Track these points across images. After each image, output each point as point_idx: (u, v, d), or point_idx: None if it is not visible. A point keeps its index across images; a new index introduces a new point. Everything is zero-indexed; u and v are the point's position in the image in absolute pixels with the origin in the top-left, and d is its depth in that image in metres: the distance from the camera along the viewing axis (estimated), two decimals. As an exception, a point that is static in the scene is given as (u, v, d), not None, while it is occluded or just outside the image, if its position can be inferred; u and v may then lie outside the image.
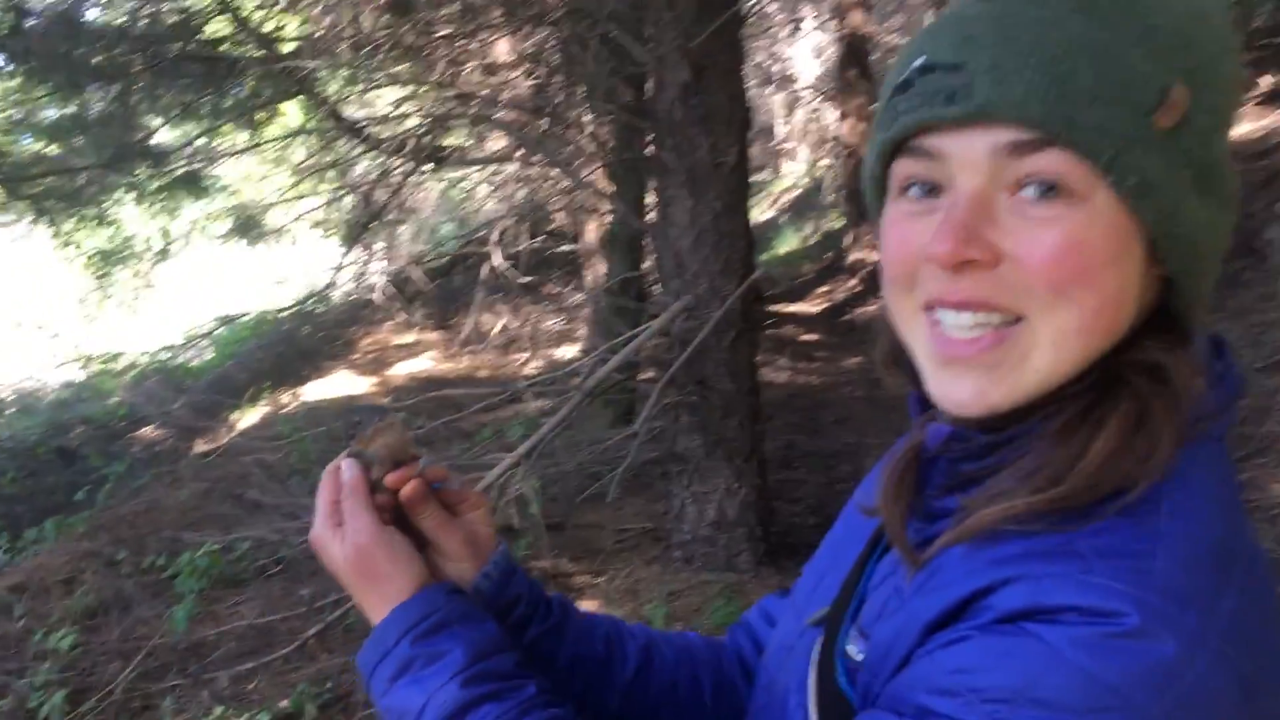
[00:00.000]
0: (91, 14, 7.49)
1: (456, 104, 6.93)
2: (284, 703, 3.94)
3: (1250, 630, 0.65)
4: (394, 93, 8.57)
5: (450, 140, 8.95)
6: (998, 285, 0.70)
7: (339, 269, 9.34)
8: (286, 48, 8.18)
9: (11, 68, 7.68)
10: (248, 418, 8.66)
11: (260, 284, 9.21)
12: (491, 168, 8.47)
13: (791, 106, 17.58)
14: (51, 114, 9.06)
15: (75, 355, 10.41)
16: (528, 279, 8.31)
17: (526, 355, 9.24)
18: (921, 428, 0.85)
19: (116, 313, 10.77)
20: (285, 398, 8.93)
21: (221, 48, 8.26)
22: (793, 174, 20.78)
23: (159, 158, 9.30)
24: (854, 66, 12.05)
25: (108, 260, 10.65)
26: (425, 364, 9.83)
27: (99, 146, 8.60)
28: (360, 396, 8.62)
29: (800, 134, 18.15)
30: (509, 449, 4.93)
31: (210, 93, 8.46)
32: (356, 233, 9.45)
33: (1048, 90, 0.66)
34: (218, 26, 8.44)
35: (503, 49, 7.70)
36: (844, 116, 12.46)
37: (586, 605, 2.01)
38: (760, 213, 18.89)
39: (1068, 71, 0.66)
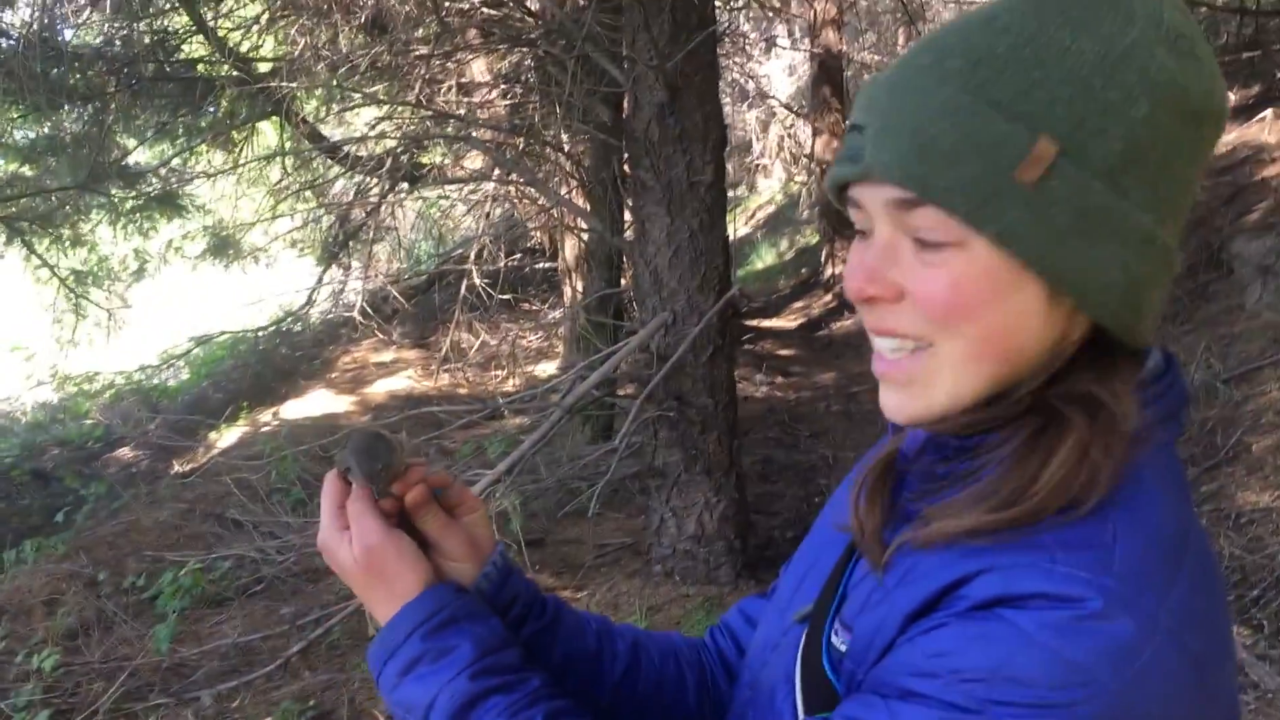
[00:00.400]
0: (67, 34, 7.46)
1: (433, 123, 6.97)
2: (267, 720, 3.95)
3: (1200, 614, 0.72)
4: (371, 112, 8.59)
5: (427, 159, 8.98)
6: (901, 318, 0.81)
7: (316, 288, 9.33)
8: (263, 68, 8.21)
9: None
10: (226, 438, 8.63)
11: (237, 304, 9.17)
12: (469, 186, 8.50)
13: (766, 123, 17.67)
14: (27, 134, 9.01)
15: (51, 376, 10.34)
16: (506, 297, 8.32)
17: (505, 372, 9.25)
18: (899, 435, 0.94)
19: (92, 333, 10.71)
20: (264, 417, 8.90)
21: (198, 68, 8.28)
22: (768, 190, 20.89)
23: (134, 178, 9.30)
24: (827, 84, 12.16)
25: (83, 281, 10.61)
26: (404, 382, 9.82)
27: (74, 167, 8.57)
28: (339, 415, 8.61)
29: (775, 150, 18.25)
30: (489, 466, 4.96)
31: (186, 113, 8.47)
32: (334, 252, 9.46)
33: (911, 154, 0.75)
34: (194, 47, 8.46)
35: (479, 69, 7.74)
36: (818, 134, 12.57)
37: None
38: (736, 229, 18.97)
39: (932, 136, 0.74)
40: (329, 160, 8.90)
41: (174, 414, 9.29)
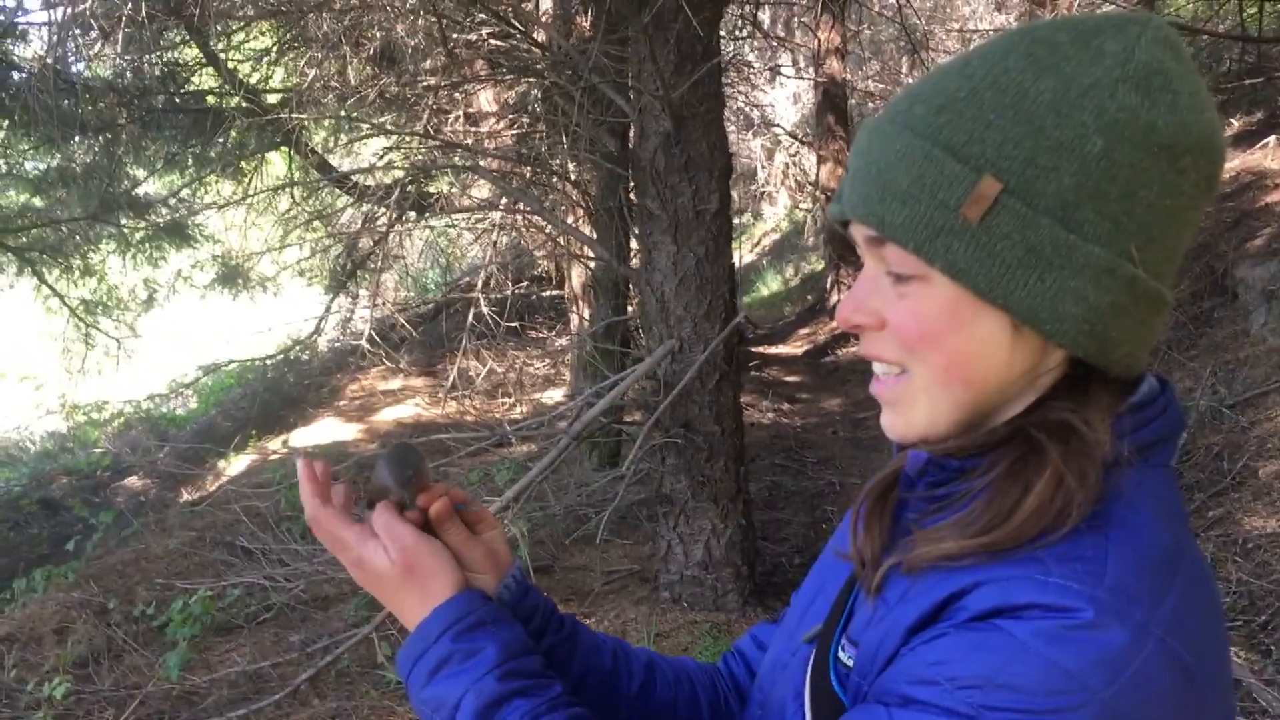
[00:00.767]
0: (79, 67, 7.54)
1: (441, 153, 7.02)
2: (277, 748, 3.95)
3: (1190, 626, 0.74)
4: (379, 142, 8.65)
5: (435, 189, 9.04)
6: (885, 345, 0.87)
7: (324, 316, 9.37)
8: (272, 99, 8.28)
9: (-3, 120, 7.72)
10: (234, 466, 8.66)
11: (245, 333, 9.21)
12: (476, 215, 8.55)
13: (771, 151, 17.76)
14: (38, 166, 9.08)
15: (60, 405, 10.38)
16: (513, 324, 8.36)
17: (512, 400, 9.28)
18: (901, 455, 0.99)
19: (101, 362, 10.75)
20: (273, 445, 8.93)
21: (208, 99, 8.36)
22: (773, 217, 20.96)
23: (144, 208, 9.37)
24: (832, 112, 12.23)
25: (92, 310, 10.67)
26: (411, 410, 9.85)
27: (84, 198, 8.64)
28: (347, 443, 8.63)
29: (780, 178, 18.32)
30: (497, 493, 4.98)
31: (196, 144, 8.54)
32: (342, 280, 9.51)
33: (874, 194, 0.82)
34: (204, 78, 8.54)
35: (486, 99, 7.81)
36: (822, 161, 12.63)
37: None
38: (742, 256, 19.03)
39: (889, 180, 0.81)
40: (337, 190, 8.96)
41: (183, 443, 9.33)
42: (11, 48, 7.72)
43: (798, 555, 5.66)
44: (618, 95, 4.73)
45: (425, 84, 6.95)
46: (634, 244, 6.36)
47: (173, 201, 9.85)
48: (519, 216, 7.67)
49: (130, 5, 5.78)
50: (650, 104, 4.33)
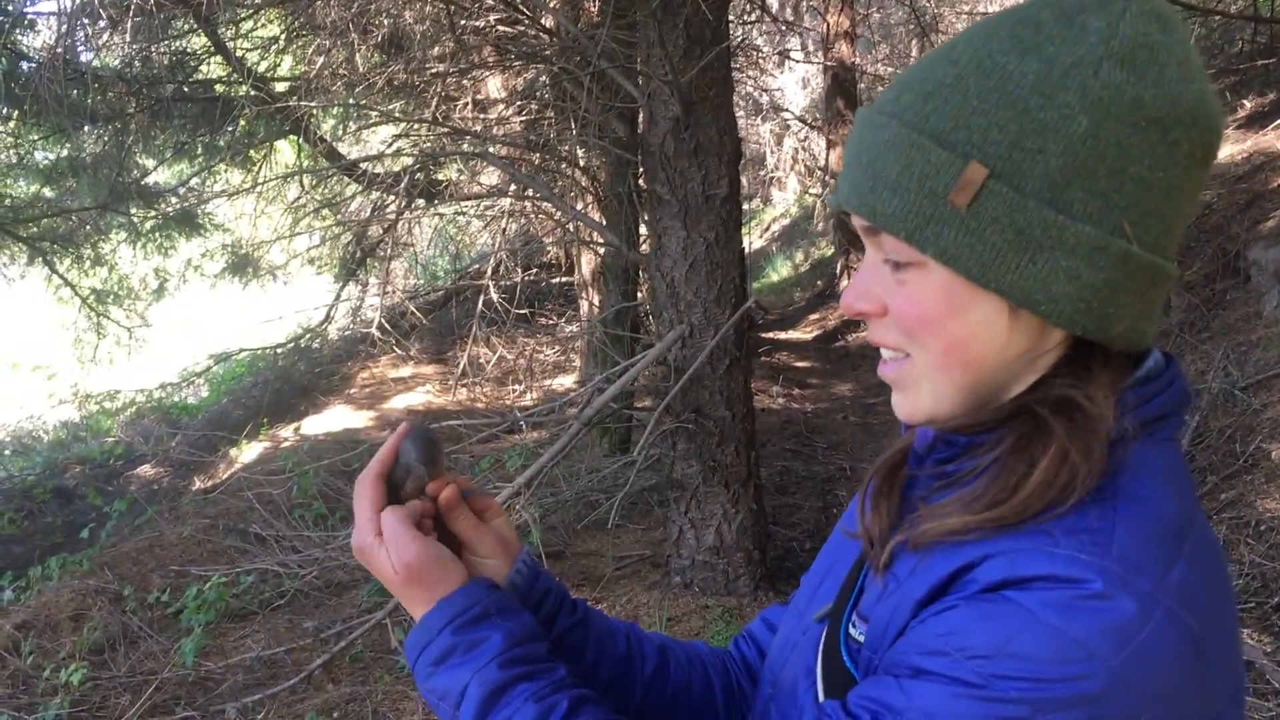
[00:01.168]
0: (87, 56, 7.55)
1: (450, 140, 7.02)
2: (292, 733, 3.98)
3: (1198, 596, 0.75)
4: (388, 130, 8.65)
5: (444, 176, 9.04)
6: (887, 331, 0.90)
7: (334, 305, 9.39)
8: (281, 87, 8.28)
9: (6, 110, 7.74)
10: (246, 454, 8.69)
11: (255, 321, 9.24)
12: (485, 202, 8.55)
13: (781, 136, 17.72)
14: (47, 156, 9.10)
15: (72, 395, 10.43)
16: (523, 311, 8.37)
17: (522, 386, 9.29)
18: (910, 433, 1.00)
19: (113, 352, 10.80)
20: (284, 433, 8.96)
21: (216, 88, 8.37)
22: (783, 203, 20.92)
23: (154, 197, 9.39)
24: (841, 97, 12.20)
25: (103, 300, 10.71)
26: (422, 397, 9.87)
27: (95, 187, 8.67)
28: (358, 430, 8.66)
29: (789, 163, 18.29)
30: (508, 479, 4.99)
31: (205, 133, 8.55)
32: (351, 268, 9.53)
33: (866, 185, 0.84)
34: (213, 67, 8.55)
35: (495, 86, 7.80)
36: (832, 146, 12.60)
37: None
38: (751, 241, 19.00)
39: (879, 169, 0.83)
40: (346, 178, 8.97)
41: (195, 431, 9.36)
42: (21, 38, 7.73)
43: (809, 540, 5.67)
44: (626, 80, 4.72)
45: (433, 71, 6.94)
46: (644, 229, 6.35)
47: (182, 190, 9.89)
48: (528, 203, 7.66)
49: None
50: (659, 89, 4.33)
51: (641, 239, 6.97)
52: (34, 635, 4.86)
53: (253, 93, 7.27)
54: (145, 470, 9.40)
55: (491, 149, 6.65)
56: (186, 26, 7.67)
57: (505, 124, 7.46)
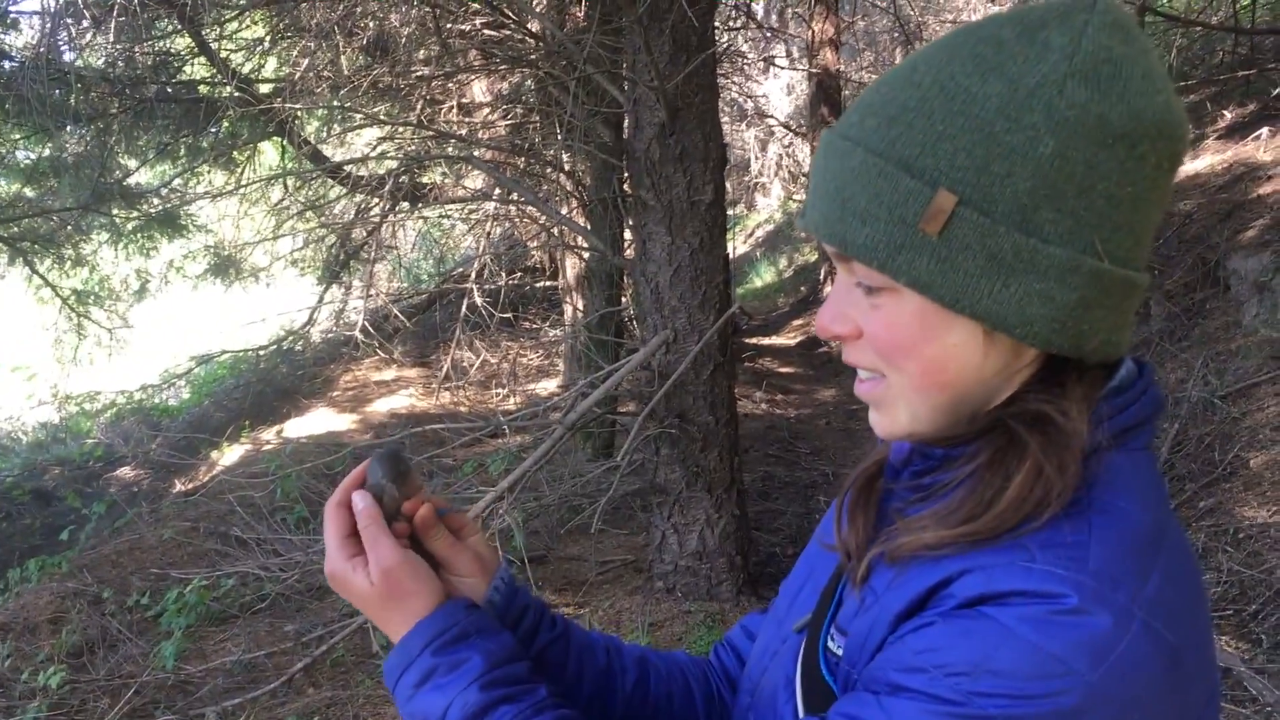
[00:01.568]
0: (69, 56, 7.51)
1: (434, 143, 7.01)
2: (272, 737, 3.97)
3: (1174, 607, 0.76)
4: (372, 133, 8.64)
5: (428, 179, 9.03)
6: (863, 352, 0.89)
7: (317, 307, 9.36)
8: (265, 89, 8.26)
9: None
10: (228, 456, 8.65)
11: (238, 323, 9.21)
12: (470, 206, 8.54)
13: (765, 142, 17.76)
14: (29, 155, 9.05)
15: (52, 396, 10.35)
16: (506, 315, 8.36)
17: (506, 391, 9.28)
18: (886, 445, 1.00)
19: (93, 353, 10.74)
20: (266, 436, 8.92)
21: (200, 89, 8.34)
22: (766, 208, 20.97)
23: (136, 198, 9.35)
24: (825, 104, 12.22)
25: (84, 300, 10.64)
26: (405, 400, 9.84)
27: (76, 187, 8.62)
28: (341, 433, 8.63)
29: (774, 169, 18.34)
30: (491, 484, 4.99)
31: (188, 134, 8.52)
32: (335, 271, 9.50)
33: (834, 213, 0.83)
34: (196, 68, 8.52)
35: (480, 89, 7.79)
36: (816, 152, 12.62)
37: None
38: (735, 247, 19.03)
39: (847, 198, 0.82)
40: (330, 180, 8.95)
41: (175, 433, 9.31)
42: (3, 36, 7.69)
43: (791, 546, 5.68)
44: (612, 86, 4.73)
45: (419, 74, 6.94)
46: (628, 235, 6.36)
47: (165, 191, 9.83)
48: (513, 207, 7.66)
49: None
50: (645, 95, 4.34)
51: (626, 244, 6.98)
52: (12, 638, 4.83)
53: (236, 94, 7.24)
54: (125, 472, 9.35)
55: (476, 153, 6.65)
56: (170, 27, 7.65)
57: (490, 128, 7.46)
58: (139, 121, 8.02)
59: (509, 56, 6.32)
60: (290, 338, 9.70)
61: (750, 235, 20.83)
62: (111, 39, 6.96)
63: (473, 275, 8.07)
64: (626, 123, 4.79)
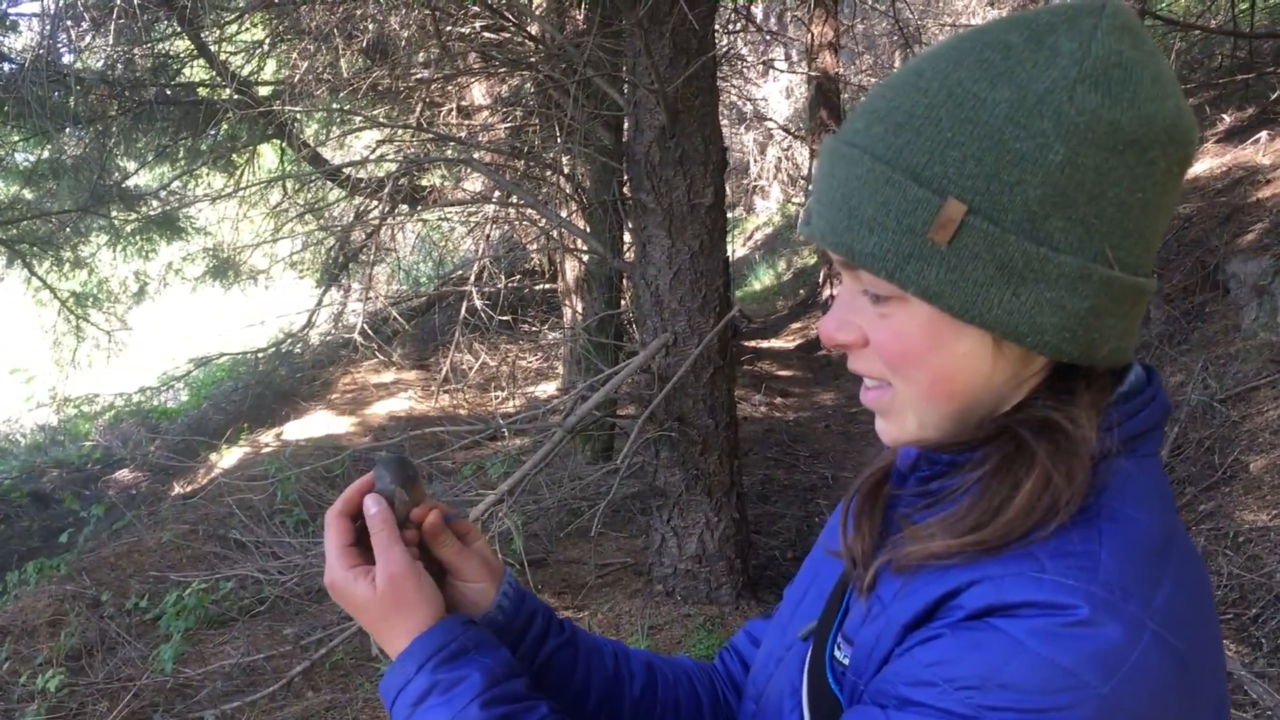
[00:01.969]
0: (69, 58, 7.51)
1: (434, 146, 7.01)
2: (271, 741, 3.96)
3: (1184, 616, 0.75)
4: (371, 135, 8.64)
5: (427, 182, 9.03)
6: (869, 361, 0.88)
7: (316, 310, 9.35)
8: (264, 91, 8.26)
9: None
10: (226, 459, 8.64)
11: (236, 326, 9.20)
12: (469, 209, 8.54)
13: (764, 145, 17.77)
14: (28, 158, 9.04)
15: (50, 398, 10.35)
16: (506, 318, 8.36)
17: (505, 393, 9.28)
18: (892, 450, 0.99)
19: (92, 355, 10.72)
20: (265, 438, 8.91)
21: (199, 91, 8.33)
22: (765, 211, 20.98)
23: (135, 200, 9.34)
24: (825, 107, 12.23)
25: (83, 303, 10.64)
26: (404, 403, 9.83)
27: (75, 190, 8.61)
28: (340, 436, 8.62)
29: (773, 172, 18.35)
30: (490, 486, 4.98)
31: (187, 136, 8.52)
32: (334, 274, 9.49)
33: (840, 222, 0.82)
34: (195, 70, 8.52)
35: (479, 92, 7.79)
36: (815, 156, 12.63)
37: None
38: (734, 250, 19.03)
39: (854, 206, 0.81)
40: (329, 183, 8.94)
41: (174, 436, 9.30)
42: (2, 38, 7.68)
43: (790, 549, 5.67)
44: (612, 89, 4.73)
45: (418, 77, 6.94)
46: (628, 238, 6.36)
47: (164, 194, 9.83)
48: (512, 210, 7.66)
49: (122, -4, 5.76)
50: (645, 97, 4.34)
51: (626, 247, 6.98)
52: (10, 641, 4.82)
53: (236, 97, 7.24)
54: (124, 475, 9.34)
55: (476, 155, 6.64)
56: (170, 29, 7.64)
57: (490, 130, 7.46)
58: (138, 124, 8.01)
59: (509, 59, 6.32)
60: (289, 340, 9.70)
61: (749, 238, 20.84)
62: (111, 41, 6.96)
63: (472, 278, 8.06)
64: (626, 126, 4.79)
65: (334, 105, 7.29)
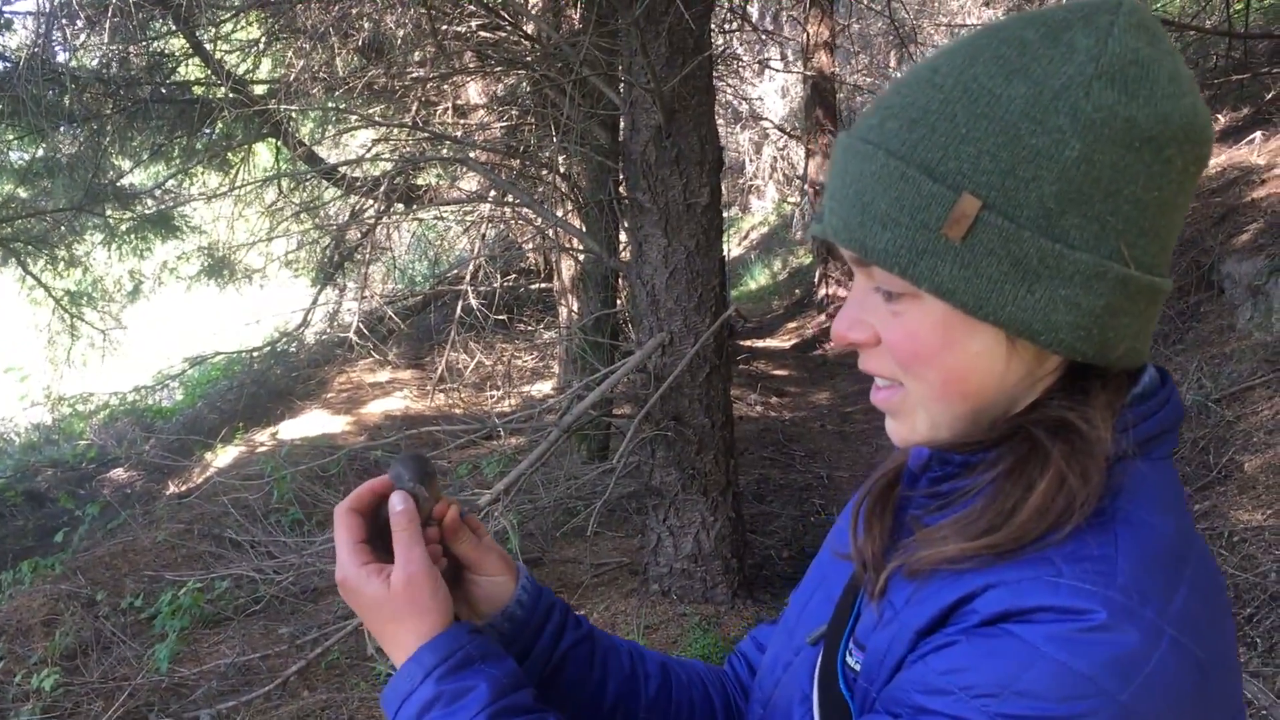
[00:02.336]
0: (63, 57, 7.49)
1: (429, 145, 7.01)
2: (266, 740, 3.96)
3: (1201, 620, 0.74)
4: (367, 134, 8.64)
5: (423, 181, 9.02)
6: (881, 360, 0.87)
7: (311, 309, 9.34)
8: (260, 90, 8.25)
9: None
10: (221, 458, 8.63)
11: (232, 325, 9.19)
12: (464, 208, 8.54)
13: (759, 144, 17.77)
14: (23, 156, 9.03)
15: (45, 397, 10.32)
16: (501, 317, 8.36)
17: (501, 393, 9.27)
18: (903, 451, 0.97)
19: (86, 354, 10.71)
20: (260, 438, 8.91)
21: (194, 90, 8.33)
22: (761, 211, 20.99)
23: (130, 199, 9.33)
24: (820, 106, 12.25)
25: (78, 301, 10.62)
26: (399, 402, 9.83)
27: (70, 188, 8.60)
28: (335, 435, 8.61)
29: (768, 172, 18.35)
30: (486, 485, 4.98)
31: (182, 135, 8.50)
32: (329, 273, 9.48)
33: (854, 218, 0.81)
34: (191, 69, 8.51)
35: (475, 91, 7.79)
36: (810, 155, 12.65)
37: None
38: (730, 250, 19.04)
39: (867, 202, 0.80)
40: (325, 182, 8.94)
41: (169, 435, 9.28)
42: (-3, 37, 7.67)
43: (786, 548, 5.68)
44: (608, 88, 4.73)
45: (414, 75, 6.94)
46: (624, 237, 6.36)
47: (159, 192, 9.82)
48: (508, 209, 7.65)
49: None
50: (641, 97, 4.34)
51: (622, 246, 6.98)
52: (5, 640, 4.81)
53: (231, 95, 7.23)
54: (118, 474, 9.33)
55: (472, 154, 6.64)
56: (165, 28, 7.63)
57: (486, 129, 7.46)
58: (133, 122, 8.00)
59: (505, 58, 6.32)
60: (284, 339, 9.70)
61: (744, 238, 20.85)
62: (106, 39, 6.95)
63: (467, 277, 8.06)
64: (622, 125, 4.79)
65: (329, 104, 7.29)
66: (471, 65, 6.92)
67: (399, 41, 6.72)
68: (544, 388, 9.84)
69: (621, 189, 6.00)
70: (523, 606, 1.09)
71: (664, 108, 4.25)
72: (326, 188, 9.28)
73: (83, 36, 7.25)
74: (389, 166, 7.32)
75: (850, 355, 0.91)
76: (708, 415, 4.63)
